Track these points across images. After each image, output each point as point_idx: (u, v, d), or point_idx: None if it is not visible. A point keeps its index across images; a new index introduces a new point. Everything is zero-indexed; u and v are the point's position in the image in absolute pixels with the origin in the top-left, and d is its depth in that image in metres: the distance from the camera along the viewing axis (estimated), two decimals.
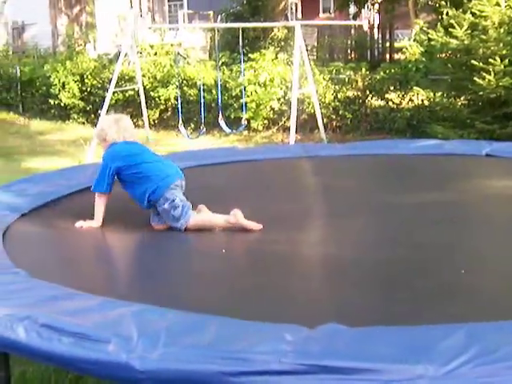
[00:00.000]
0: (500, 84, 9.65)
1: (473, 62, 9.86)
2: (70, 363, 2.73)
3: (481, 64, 9.75)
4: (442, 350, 2.44)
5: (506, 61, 9.77)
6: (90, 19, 21.09)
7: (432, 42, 11.99)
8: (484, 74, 9.71)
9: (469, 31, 10.31)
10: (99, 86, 13.89)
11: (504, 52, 9.85)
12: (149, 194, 4.77)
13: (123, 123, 5.13)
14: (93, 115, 13.83)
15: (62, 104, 14.11)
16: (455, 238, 4.42)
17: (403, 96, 12.20)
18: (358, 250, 4.22)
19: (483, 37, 10.06)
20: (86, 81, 14.03)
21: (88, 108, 14.10)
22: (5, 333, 2.87)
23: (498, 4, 10.15)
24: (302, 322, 2.77)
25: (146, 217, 4.99)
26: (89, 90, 14.03)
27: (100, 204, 4.89)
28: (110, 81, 11.62)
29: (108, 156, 4.93)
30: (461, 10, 10.91)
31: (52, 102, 14.23)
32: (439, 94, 11.35)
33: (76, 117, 14.19)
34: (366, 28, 25.65)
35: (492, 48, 9.93)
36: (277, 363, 2.41)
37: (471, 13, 10.39)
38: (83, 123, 14.07)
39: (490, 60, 9.71)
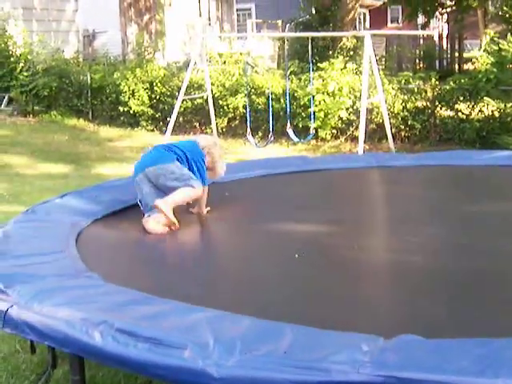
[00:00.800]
0: None
1: None
2: (145, 369, 2.75)
3: None
4: None
5: None
6: (159, 27, 21.29)
7: (503, 53, 11.84)
8: None
9: None
10: (168, 93, 14.02)
11: None
12: None
13: None
14: (161, 123, 13.97)
15: (132, 111, 14.27)
16: None
17: (473, 107, 12.03)
18: (434, 259, 4.19)
19: None
20: (155, 88, 14.17)
21: (157, 115, 14.24)
22: (81, 337, 2.91)
23: None
24: (377, 331, 2.75)
25: (216, 221, 5.05)
26: (158, 97, 14.17)
27: None
28: (179, 89, 11.74)
29: None
30: None
31: (121, 109, 14.40)
32: (510, 104, 11.18)
33: (145, 124, 14.35)
34: (436, 38, 25.38)
35: None
36: (355, 374, 2.39)
37: None
38: (152, 130, 14.22)
39: None
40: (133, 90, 14.20)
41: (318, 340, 2.70)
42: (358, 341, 2.63)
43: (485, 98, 11.51)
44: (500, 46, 11.79)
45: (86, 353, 2.98)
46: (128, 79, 14.27)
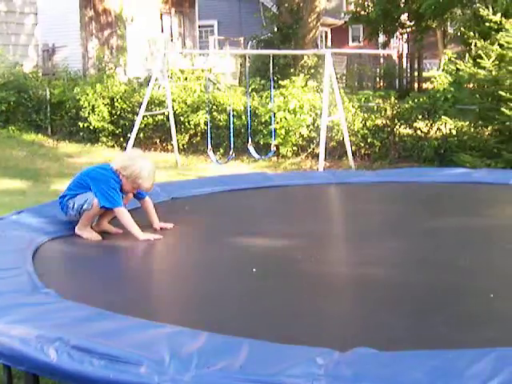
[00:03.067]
0: None
1: (500, 92, 9.88)
2: None
3: (508, 95, 9.77)
4: (472, 374, 2.45)
5: None
6: (120, 42, 21.25)
7: (460, 73, 12.02)
8: (511, 104, 9.70)
9: (496, 62, 10.34)
10: (129, 109, 13.97)
11: None
12: None
13: None
14: (122, 139, 13.91)
15: (92, 127, 14.19)
16: (483, 262, 4.43)
17: (431, 125, 12.19)
18: (389, 273, 4.22)
19: (510, 68, 10.08)
20: (115, 104, 14.12)
21: (117, 131, 14.18)
22: (36, 354, 2.88)
23: None
24: (333, 345, 2.77)
25: (174, 236, 5.06)
26: (118, 113, 14.11)
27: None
28: (140, 105, 11.72)
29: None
30: (489, 42, 10.96)
31: (81, 125, 14.31)
32: (467, 123, 11.35)
33: (105, 140, 14.27)
34: (395, 57, 25.70)
35: None
36: None
37: (499, 44, 10.43)
38: (112, 146, 14.15)
39: None
40: (93, 106, 14.13)
41: (274, 354, 2.71)
42: (313, 354, 2.64)
43: (443, 116, 11.67)
44: (457, 66, 11.96)
45: (41, 370, 2.94)
46: (88, 94, 14.20)
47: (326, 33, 38.25)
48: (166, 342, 2.80)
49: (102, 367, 2.71)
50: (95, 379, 2.70)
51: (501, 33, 10.48)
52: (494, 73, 10.25)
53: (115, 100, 14.14)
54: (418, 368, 2.53)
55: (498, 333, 3.15)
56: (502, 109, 9.77)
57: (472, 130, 11.27)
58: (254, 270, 4.28)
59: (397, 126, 12.38)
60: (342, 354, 2.67)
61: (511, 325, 3.29)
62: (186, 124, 13.37)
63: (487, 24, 12.68)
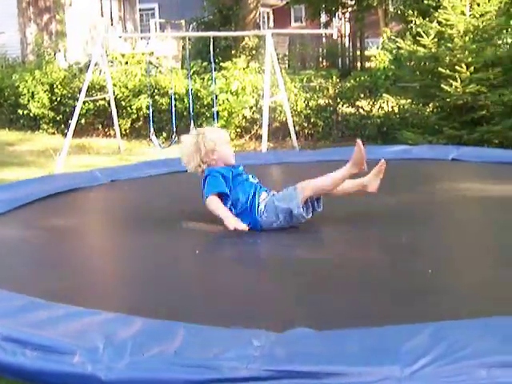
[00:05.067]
0: (466, 91, 9.80)
1: (440, 69, 10.00)
2: (35, 377, 2.66)
3: (448, 71, 9.89)
4: (407, 350, 2.45)
5: (472, 68, 9.94)
6: (59, 28, 20.92)
7: (400, 51, 12.14)
8: (451, 81, 9.85)
9: (435, 40, 10.46)
10: (69, 95, 13.77)
11: (469, 60, 10.01)
12: None
13: None
14: (63, 125, 13.71)
15: (31, 114, 13.97)
16: (421, 238, 4.42)
17: (373, 103, 12.29)
18: (327, 252, 4.22)
19: (449, 45, 10.23)
20: (55, 90, 13.91)
21: (58, 118, 13.97)
22: None
23: (462, 13, 10.29)
24: (270, 326, 2.75)
25: (117, 221, 5.02)
26: (59, 99, 13.90)
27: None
28: (81, 90, 11.55)
29: None
30: (428, 19, 11.09)
31: (21, 112, 14.09)
32: (408, 101, 11.45)
33: (46, 127, 14.06)
34: (335, 36, 25.80)
35: (458, 56, 10.08)
36: (244, 370, 2.39)
37: (437, 22, 10.56)
38: (53, 133, 13.95)
39: (457, 67, 9.86)
40: (32, 93, 13.91)
41: (210, 337, 2.68)
42: (249, 336, 2.62)
43: (384, 94, 11.75)
44: (398, 44, 12.06)
45: None
46: (27, 81, 13.97)
47: (268, 14, 38.23)
48: (100, 330, 2.76)
49: (35, 358, 2.65)
50: (28, 371, 2.65)
51: (439, 10, 10.60)
52: (433, 50, 10.38)
53: (55, 86, 13.94)
54: (354, 346, 2.53)
55: (435, 307, 3.17)
56: (442, 85, 9.89)
57: (413, 107, 11.37)
58: (197, 251, 4.25)
59: (339, 106, 12.44)
60: (278, 335, 2.66)
61: (448, 299, 3.30)
62: (128, 108, 13.24)
63: (426, 2, 12.84)
